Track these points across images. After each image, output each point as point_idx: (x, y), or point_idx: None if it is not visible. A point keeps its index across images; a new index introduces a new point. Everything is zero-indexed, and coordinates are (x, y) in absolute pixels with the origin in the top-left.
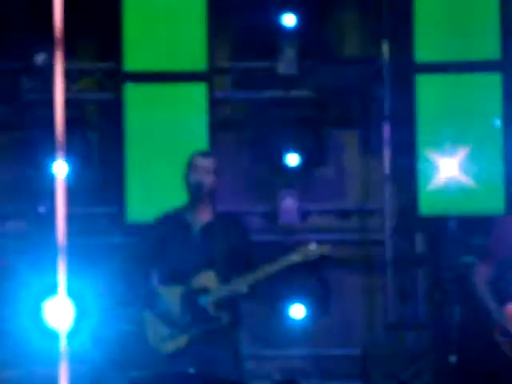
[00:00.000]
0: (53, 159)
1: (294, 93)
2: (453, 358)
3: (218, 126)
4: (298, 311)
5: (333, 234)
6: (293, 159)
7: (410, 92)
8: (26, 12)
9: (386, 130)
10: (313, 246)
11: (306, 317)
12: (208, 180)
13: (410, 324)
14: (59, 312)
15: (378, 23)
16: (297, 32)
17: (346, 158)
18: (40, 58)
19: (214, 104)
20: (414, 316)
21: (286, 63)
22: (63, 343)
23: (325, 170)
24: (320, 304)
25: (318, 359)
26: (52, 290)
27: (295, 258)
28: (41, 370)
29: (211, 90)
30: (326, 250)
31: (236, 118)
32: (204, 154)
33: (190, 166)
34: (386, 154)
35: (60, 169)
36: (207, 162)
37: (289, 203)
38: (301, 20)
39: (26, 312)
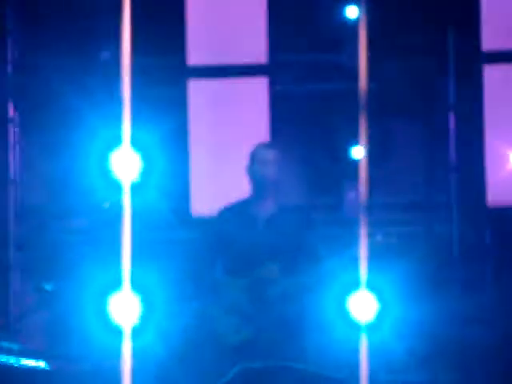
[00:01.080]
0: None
1: (357, 85)
2: None
3: (280, 119)
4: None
5: (398, 227)
6: (358, 152)
7: (477, 82)
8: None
9: (452, 120)
10: (379, 238)
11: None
12: (271, 172)
13: (475, 318)
14: (125, 308)
15: (443, 11)
16: (360, 23)
17: (410, 149)
18: (105, 54)
19: (275, 97)
20: (481, 310)
21: (350, 55)
22: (128, 339)
23: (390, 162)
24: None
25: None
26: (117, 285)
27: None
28: (106, 364)
29: (273, 83)
30: (392, 241)
31: (299, 112)
32: (266, 146)
33: (253, 158)
34: (452, 145)
35: (125, 166)
36: (270, 154)
37: (353, 196)
38: (363, 11)
39: (92, 307)
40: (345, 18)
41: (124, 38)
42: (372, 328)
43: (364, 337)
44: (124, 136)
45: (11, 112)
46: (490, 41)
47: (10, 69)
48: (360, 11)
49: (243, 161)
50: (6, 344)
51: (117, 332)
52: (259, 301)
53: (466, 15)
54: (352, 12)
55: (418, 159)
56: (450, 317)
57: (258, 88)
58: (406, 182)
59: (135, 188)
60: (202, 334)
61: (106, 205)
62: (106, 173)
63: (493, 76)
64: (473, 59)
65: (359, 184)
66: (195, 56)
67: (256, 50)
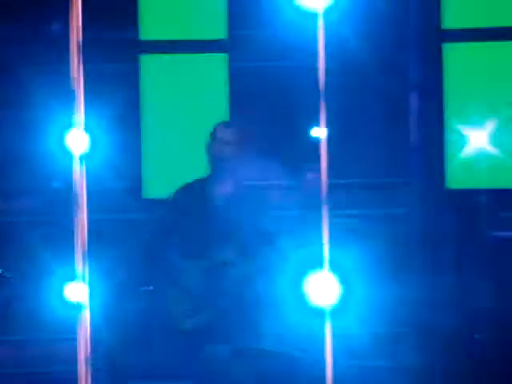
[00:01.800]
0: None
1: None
2: (477, 336)
3: (239, 97)
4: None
5: (358, 209)
6: (317, 132)
7: (438, 60)
8: None
9: (413, 99)
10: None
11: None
12: (229, 151)
13: (435, 301)
14: (78, 293)
15: None
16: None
17: (370, 129)
18: (55, 28)
19: (235, 75)
20: (441, 293)
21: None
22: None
23: (349, 142)
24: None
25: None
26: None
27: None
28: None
29: (232, 60)
30: (352, 223)
31: (258, 90)
32: (225, 125)
33: (212, 137)
34: (413, 125)
35: (76, 143)
36: (229, 133)
37: (312, 177)
38: None
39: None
40: None
41: (74, 12)
42: (334, 312)
43: (327, 321)
44: (75, 113)
45: None
46: (450, 19)
47: None
48: None
49: (201, 140)
50: None
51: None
52: (215, 284)
53: None
54: None
55: (378, 139)
56: (410, 300)
57: (217, 65)
58: (365, 163)
59: (85, 166)
60: (157, 318)
61: (57, 184)
62: (57, 150)
63: (453, 55)
64: (434, 37)
65: (319, 164)
66: (148, 31)
67: (215, 25)
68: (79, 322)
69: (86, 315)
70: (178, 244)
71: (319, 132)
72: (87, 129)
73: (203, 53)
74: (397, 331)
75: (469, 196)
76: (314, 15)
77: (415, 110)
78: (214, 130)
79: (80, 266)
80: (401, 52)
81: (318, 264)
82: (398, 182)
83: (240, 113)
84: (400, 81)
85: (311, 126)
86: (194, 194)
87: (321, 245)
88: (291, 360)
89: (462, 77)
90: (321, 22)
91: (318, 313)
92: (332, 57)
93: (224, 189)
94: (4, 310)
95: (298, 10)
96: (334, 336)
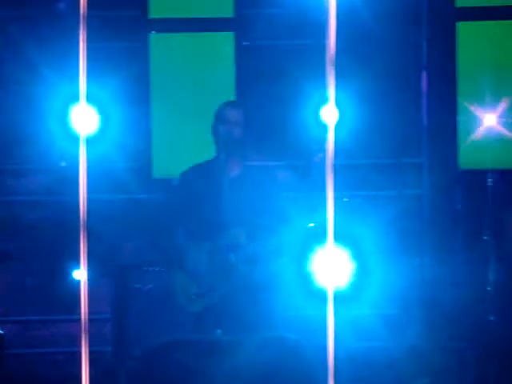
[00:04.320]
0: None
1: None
2: (491, 318)
3: (246, 76)
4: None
5: (368, 190)
6: (327, 112)
7: (450, 39)
8: None
9: (424, 80)
10: (345, 200)
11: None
12: (236, 131)
13: (447, 282)
14: None
15: None
16: None
17: (382, 109)
18: (61, 6)
19: (242, 53)
20: (452, 274)
21: (319, 10)
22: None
23: (361, 122)
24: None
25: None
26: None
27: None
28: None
29: (239, 38)
30: (359, 203)
31: (266, 69)
32: (232, 105)
33: (218, 117)
34: (424, 105)
35: (82, 122)
36: (235, 113)
37: (321, 157)
38: None
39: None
40: None
41: None
42: (344, 293)
43: (331, 301)
44: (80, 90)
45: None
46: None
47: None
48: None
49: (208, 119)
50: None
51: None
52: (223, 266)
53: None
54: None
55: (389, 119)
56: (420, 280)
57: (224, 43)
58: (376, 143)
59: (92, 144)
60: (165, 300)
61: (64, 163)
62: (65, 128)
63: (466, 33)
64: (446, 16)
65: (327, 145)
66: (157, 9)
67: (222, 3)
68: (81, 301)
69: (85, 294)
70: (185, 225)
71: (328, 112)
72: (97, 107)
73: (211, 31)
74: (407, 312)
75: (481, 176)
76: None
77: (426, 91)
78: (220, 109)
79: (82, 247)
80: (414, 31)
81: (326, 244)
82: (411, 163)
83: (247, 92)
84: (412, 60)
85: (320, 106)
86: (201, 175)
87: (328, 225)
88: (295, 347)
89: (475, 56)
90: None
91: (325, 294)
92: (342, 35)
93: (231, 170)
94: (13, 290)
95: None
96: (343, 318)
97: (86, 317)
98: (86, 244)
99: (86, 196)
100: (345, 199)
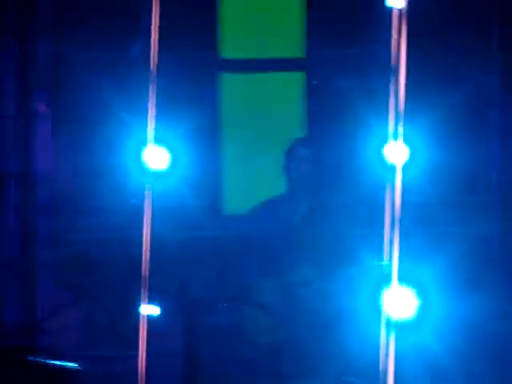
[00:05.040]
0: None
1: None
2: None
3: (316, 115)
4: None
5: (437, 227)
6: (393, 152)
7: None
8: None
9: (496, 115)
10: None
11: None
12: (306, 169)
13: None
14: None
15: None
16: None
17: (452, 145)
18: (135, 49)
19: (312, 93)
20: None
21: (388, 49)
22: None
23: (430, 158)
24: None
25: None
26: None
27: None
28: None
29: (310, 78)
30: (429, 241)
31: (336, 108)
32: (303, 143)
33: (289, 155)
34: (495, 140)
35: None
36: (305, 151)
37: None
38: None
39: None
40: (384, 9)
41: (153, 31)
42: (409, 327)
43: (392, 337)
44: (149, 131)
45: (41, 106)
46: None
47: (40, 61)
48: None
49: (278, 157)
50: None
51: None
52: (293, 303)
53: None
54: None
55: (459, 155)
56: (489, 315)
57: (295, 82)
58: (447, 180)
59: (163, 183)
60: (235, 336)
61: (134, 200)
62: (136, 168)
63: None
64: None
65: (395, 185)
66: (229, 49)
67: (293, 44)
68: (141, 338)
69: (144, 330)
70: (255, 262)
71: (393, 151)
72: (168, 146)
73: (281, 71)
74: (476, 346)
75: None
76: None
77: (498, 126)
78: (291, 147)
79: (144, 286)
80: (482, 68)
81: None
82: (480, 199)
83: (317, 130)
84: (479, 96)
85: (386, 144)
86: (271, 211)
87: (397, 263)
88: None
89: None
90: (402, 35)
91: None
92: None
93: (301, 206)
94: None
95: (376, 28)
96: (411, 353)
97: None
98: (146, 279)
99: (149, 232)
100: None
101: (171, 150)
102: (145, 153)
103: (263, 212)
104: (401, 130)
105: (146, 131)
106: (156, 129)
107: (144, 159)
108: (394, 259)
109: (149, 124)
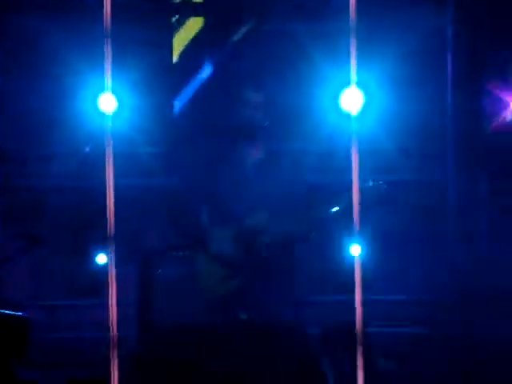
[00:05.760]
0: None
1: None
2: None
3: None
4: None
5: (391, 175)
6: (348, 98)
7: None
8: None
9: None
10: (369, 184)
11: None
12: (258, 115)
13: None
14: None
15: None
16: None
17: (405, 93)
18: None
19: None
20: (477, 261)
21: None
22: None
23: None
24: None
25: (378, 303)
26: None
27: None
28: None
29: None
30: (383, 189)
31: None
32: (254, 89)
33: (241, 101)
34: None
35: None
36: (258, 97)
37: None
38: None
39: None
40: None
41: None
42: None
43: (359, 287)
44: (106, 79)
45: None
46: None
47: None
48: None
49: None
50: None
51: None
52: (247, 250)
53: None
54: None
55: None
56: (447, 268)
57: None
58: (401, 129)
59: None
60: (189, 285)
61: (88, 149)
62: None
63: None
64: None
65: (351, 132)
66: None
67: None
68: (109, 286)
69: (113, 279)
70: (208, 210)
71: (351, 97)
72: (115, 91)
73: None
74: (437, 298)
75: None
76: None
77: (451, 70)
78: (242, 92)
79: (110, 231)
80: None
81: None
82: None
83: (269, 76)
84: (433, 42)
85: (341, 91)
86: (225, 158)
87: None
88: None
89: None
90: None
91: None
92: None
93: (255, 154)
94: (37, 271)
95: None
96: (371, 302)
97: (115, 301)
98: (111, 230)
99: (112, 181)
100: (370, 183)
101: (122, 96)
102: (101, 99)
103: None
104: (354, 76)
105: (99, 78)
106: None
107: (100, 105)
108: (354, 206)
109: (106, 72)
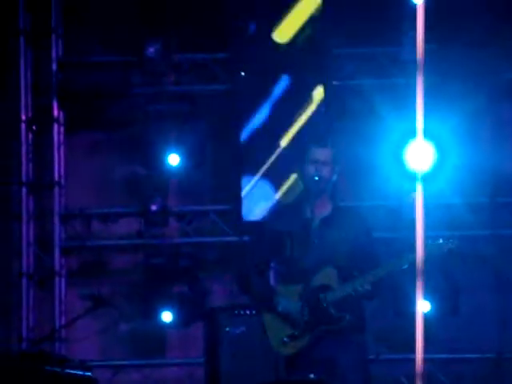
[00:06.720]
0: (165, 156)
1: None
2: None
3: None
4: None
5: (461, 230)
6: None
7: None
8: (136, 3)
9: None
10: (439, 241)
11: (431, 315)
12: (326, 172)
13: None
14: None
15: None
16: None
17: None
18: (151, 51)
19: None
20: None
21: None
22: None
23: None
24: (447, 302)
25: (447, 362)
26: None
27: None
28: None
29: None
30: (453, 245)
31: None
32: (321, 146)
33: (307, 159)
34: None
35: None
36: (325, 154)
37: (412, 199)
38: None
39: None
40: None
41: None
42: None
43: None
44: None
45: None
46: None
47: (54, 67)
48: None
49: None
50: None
51: None
52: (315, 309)
53: None
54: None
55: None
56: None
57: None
58: (471, 182)
59: None
60: (256, 344)
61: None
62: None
63: None
64: None
65: (417, 184)
66: None
67: None
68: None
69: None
70: (275, 266)
71: (420, 152)
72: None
73: None
74: None
75: None
76: None
77: None
78: (308, 151)
79: None
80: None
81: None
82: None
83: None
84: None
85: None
86: (290, 216)
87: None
88: None
89: None
90: None
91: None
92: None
93: (320, 211)
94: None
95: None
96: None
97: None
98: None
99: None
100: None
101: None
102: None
103: (281, 216)
104: (421, 129)
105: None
106: None
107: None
108: (418, 261)
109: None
